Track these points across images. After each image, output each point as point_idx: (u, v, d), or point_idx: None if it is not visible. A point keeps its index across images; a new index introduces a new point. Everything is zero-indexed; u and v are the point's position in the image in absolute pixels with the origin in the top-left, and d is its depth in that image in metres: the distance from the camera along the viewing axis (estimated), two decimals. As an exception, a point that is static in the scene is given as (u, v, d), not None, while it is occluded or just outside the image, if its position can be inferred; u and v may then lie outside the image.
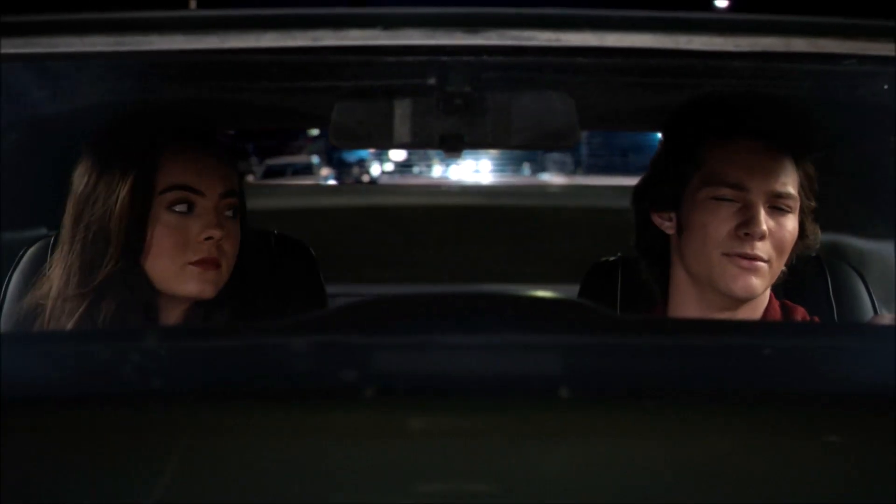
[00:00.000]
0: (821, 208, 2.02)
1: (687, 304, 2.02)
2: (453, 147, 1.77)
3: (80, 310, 1.92)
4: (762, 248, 1.92)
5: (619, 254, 2.31)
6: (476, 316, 1.26)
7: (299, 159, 24.76)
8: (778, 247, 1.94)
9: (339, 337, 1.25)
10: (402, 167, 33.48)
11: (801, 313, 2.09)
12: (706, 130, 1.98)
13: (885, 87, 1.82)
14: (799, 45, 1.48)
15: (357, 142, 1.90)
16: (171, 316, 1.97)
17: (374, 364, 1.24)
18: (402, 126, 1.76)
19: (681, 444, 1.14)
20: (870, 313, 2.23)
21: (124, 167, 1.91)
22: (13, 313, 2.07)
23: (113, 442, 1.14)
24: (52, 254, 2.10)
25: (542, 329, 1.26)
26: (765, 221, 1.91)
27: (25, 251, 2.20)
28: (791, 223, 1.95)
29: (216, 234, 1.89)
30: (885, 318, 2.08)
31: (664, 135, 2.10)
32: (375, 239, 4.52)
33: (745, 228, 1.91)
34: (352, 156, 26.89)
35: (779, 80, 1.90)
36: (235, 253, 1.94)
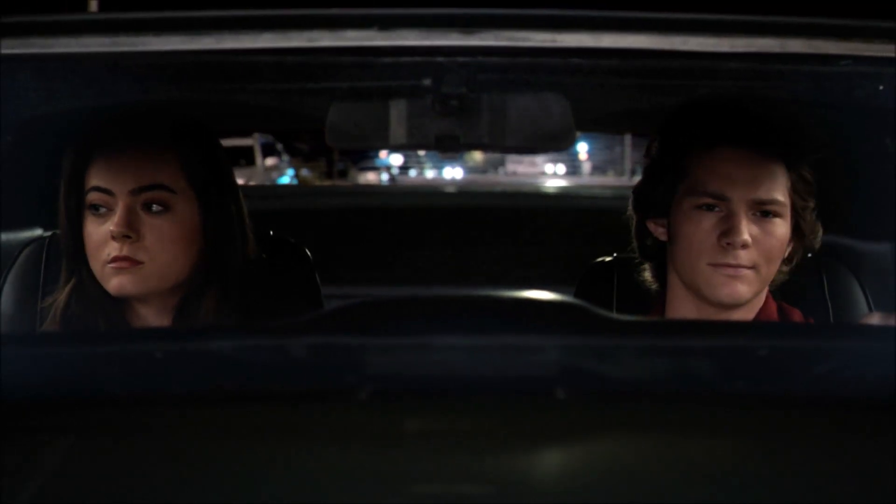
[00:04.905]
0: (817, 209, 2.01)
1: (683, 306, 2.03)
2: (449, 148, 1.77)
3: (58, 316, 1.95)
4: (746, 257, 1.92)
5: (614, 255, 2.31)
6: (472, 317, 1.26)
7: (372, 163, 35.69)
8: (765, 253, 1.94)
9: (335, 338, 1.25)
10: (400, 170, 36.62)
11: (797, 316, 2.09)
12: (690, 140, 1.99)
13: (881, 88, 1.82)
14: (795, 45, 1.48)
15: (353, 142, 1.89)
16: (158, 317, 1.97)
17: (370, 365, 1.24)
18: (397, 127, 1.76)
19: (677, 445, 1.14)
20: (865, 314, 2.23)
21: (64, 175, 1.96)
22: (9, 313, 2.08)
23: (112, 442, 1.14)
24: (46, 254, 2.11)
25: (538, 330, 1.25)
26: (747, 230, 1.91)
27: (21, 252, 2.19)
28: (780, 229, 1.95)
29: (118, 231, 1.91)
30: (874, 317, 2.08)
31: (653, 143, 2.10)
32: (372, 241, 4.52)
33: (727, 238, 1.92)
34: (382, 161, 37.34)
35: (774, 81, 1.90)
36: (167, 248, 1.94)
